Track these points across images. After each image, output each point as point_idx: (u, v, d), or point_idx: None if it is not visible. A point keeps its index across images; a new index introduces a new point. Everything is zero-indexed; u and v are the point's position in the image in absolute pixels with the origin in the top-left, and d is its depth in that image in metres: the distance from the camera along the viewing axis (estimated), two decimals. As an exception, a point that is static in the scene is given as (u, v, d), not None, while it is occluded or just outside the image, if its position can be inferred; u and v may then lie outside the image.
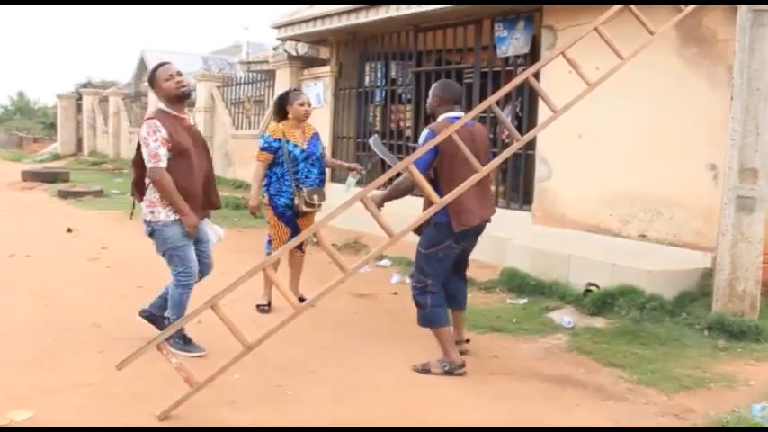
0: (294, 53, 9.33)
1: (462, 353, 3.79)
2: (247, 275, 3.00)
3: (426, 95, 3.98)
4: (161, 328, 3.59)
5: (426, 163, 3.53)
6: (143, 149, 3.60)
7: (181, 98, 3.66)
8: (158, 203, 3.63)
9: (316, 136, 4.85)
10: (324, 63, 9.33)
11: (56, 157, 22.09)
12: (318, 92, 9.20)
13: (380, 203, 3.72)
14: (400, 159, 3.92)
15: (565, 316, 4.66)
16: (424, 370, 3.63)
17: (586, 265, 5.11)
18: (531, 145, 5.79)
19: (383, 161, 4.48)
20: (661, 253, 5.17)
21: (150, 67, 4.02)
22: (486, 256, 5.54)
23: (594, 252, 5.29)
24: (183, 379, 2.99)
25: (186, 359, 3.44)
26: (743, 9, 4.32)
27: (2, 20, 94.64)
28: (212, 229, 3.96)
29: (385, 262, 6.34)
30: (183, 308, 3.71)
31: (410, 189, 3.69)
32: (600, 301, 4.73)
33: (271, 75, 11.20)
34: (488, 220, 3.85)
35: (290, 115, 4.74)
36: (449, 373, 3.59)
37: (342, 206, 3.08)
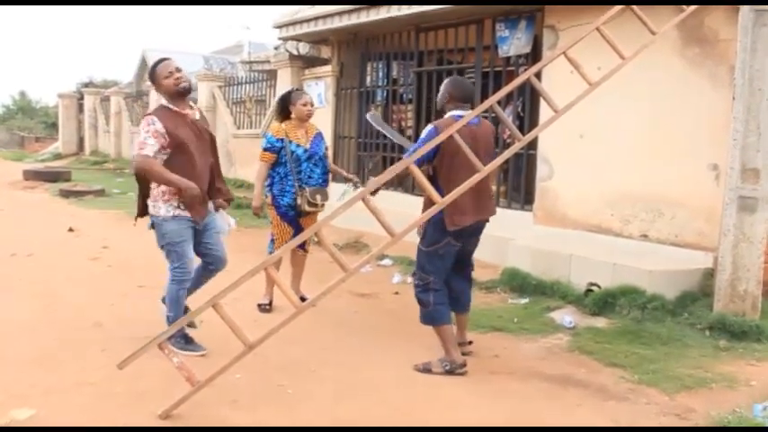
0: (295, 53, 9.34)
1: (464, 354, 3.78)
2: (249, 275, 3.01)
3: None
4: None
5: (424, 157, 3.49)
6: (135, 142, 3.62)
7: (181, 94, 3.68)
8: (159, 198, 3.65)
9: (319, 136, 4.84)
10: (325, 63, 9.32)
11: (57, 156, 22.11)
12: (320, 91, 9.19)
13: (374, 191, 3.66)
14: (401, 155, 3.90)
15: (566, 316, 4.66)
16: (426, 369, 3.63)
17: (588, 264, 5.11)
18: (532, 145, 5.79)
19: (383, 161, 4.47)
20: (662, 253, 5.16)
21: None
22: (487, 256, 5.55)
23: (596, 252, 5.28)
24: (184, 378, 3.00)
25: (187, 358, 3.43)
26: (745, 9, 4.32)
27: (3, 19, 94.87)
28: (224, 219, 3.94)
29: (386, 261, 6.35)
30: (180, 305, 3.74)
31: (405, 175, 3.63)
32: (601, 301, 4.73)
33: (272, 74, 11.21)
34: (486, 221, 3.83)
35: (292, 115, 4.73)
36: (450, 372, 3.59)
37: (343, 205, 3.09)
